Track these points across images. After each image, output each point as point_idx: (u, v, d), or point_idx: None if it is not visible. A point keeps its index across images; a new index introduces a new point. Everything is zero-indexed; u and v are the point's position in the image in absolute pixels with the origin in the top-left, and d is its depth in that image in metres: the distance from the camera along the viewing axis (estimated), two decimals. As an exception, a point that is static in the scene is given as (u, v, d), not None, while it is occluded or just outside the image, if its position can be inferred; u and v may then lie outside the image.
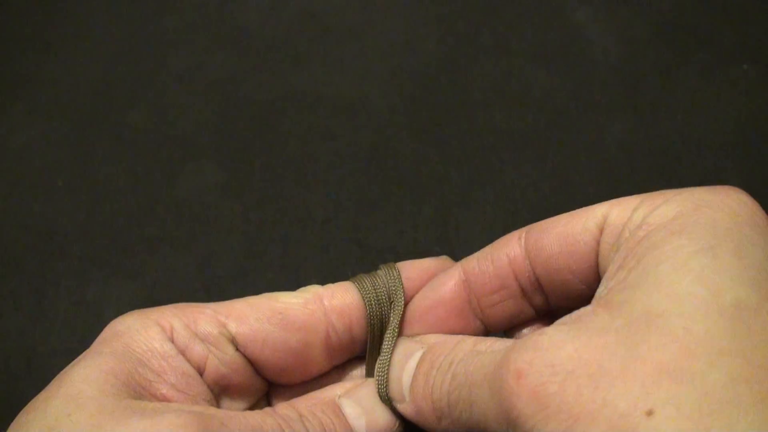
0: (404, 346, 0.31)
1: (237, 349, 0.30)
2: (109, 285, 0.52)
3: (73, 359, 0.30)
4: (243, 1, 0.66)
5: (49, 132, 0.59)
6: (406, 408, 0.30)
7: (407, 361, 0.30)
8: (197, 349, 0.29)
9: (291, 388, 0.33)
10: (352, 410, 0.30)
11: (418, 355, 0.30)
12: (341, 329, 0.31)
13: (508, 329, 0.32)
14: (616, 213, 0.27)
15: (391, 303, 0.32)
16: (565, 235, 0.28)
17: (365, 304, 0.31)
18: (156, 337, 0.29)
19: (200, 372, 0.30)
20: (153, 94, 0.61)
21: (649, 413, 0.20)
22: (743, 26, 0.63)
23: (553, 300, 0.30)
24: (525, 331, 0.32)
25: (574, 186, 0.56)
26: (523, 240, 0.30)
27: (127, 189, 0.56)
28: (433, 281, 0.32)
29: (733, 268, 0.22)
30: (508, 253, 0.30)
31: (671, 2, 0.64)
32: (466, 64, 0.62)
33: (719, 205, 0.25)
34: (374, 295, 0.32)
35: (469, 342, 0.28)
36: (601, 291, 0.25)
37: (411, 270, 0.33)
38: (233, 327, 0.30)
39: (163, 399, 0.28)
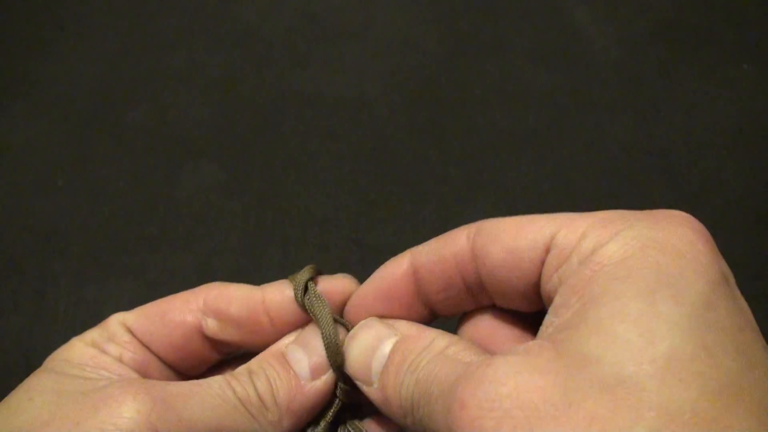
0: (376, 329, 0.31)
1: (141, 343, 0.33)
2: (109, 285, 0.52)
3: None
4: (243, 1, 0.66)
5: (49, 132, 0.59)
6: (372, 393, 0.30)
7: (379, 346, 0.30)
8: (114, 349, 0.33)
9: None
10: (295, 355, 0.32)
11: (390, 342, 0.30)
12: (213, 327, 0.33)
13: (456, 315, 0.32)
14: (563, 235, 0.27)
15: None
16: (511, 248, 0.28)
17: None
18: (80, 345, 0.32)
19: (121, 363, 0.33)
20: (153, 94, 0.61)
21: None
22: (743, 26, 0.63)
23: (498, 302, 0.31)
24: (476, 317, 0.32)
25: (574, 186, 0.56)
26: (471, 241, 0.29)
27: (127, 189, 0.56)
28: (382, 268, 0.32)
29: (671, 316, 0.22)
30: (456, 254, 0.30)
31: (671, 2, 0.64)
32: (466, 63, 0.62)
33: (665, 246, 0.24)
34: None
35: (442, 343, 0.28)
36: (546, 326, 0.26)
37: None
38: (129, 323, 0.33)
39: None
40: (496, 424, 0.22)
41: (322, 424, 0.33)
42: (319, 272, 0.34)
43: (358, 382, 0.31)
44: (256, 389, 0.30)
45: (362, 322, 0.32)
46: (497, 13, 0.64)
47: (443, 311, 0.32)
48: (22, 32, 0.65)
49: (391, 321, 0.31)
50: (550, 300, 0.26)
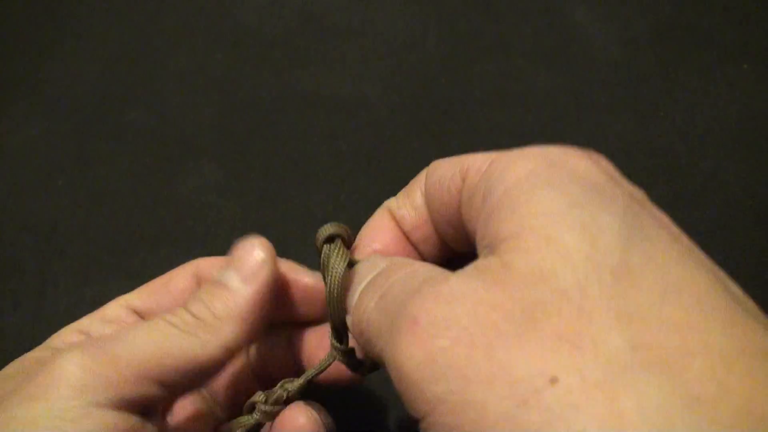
0: (373, 260, 0.30)
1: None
2: (109, 285, 0.52)
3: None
4: (243, 1, 0.66)
5: (49, 132, 0.59)
6: (348, 320, 0.29)
7: (368, 275, 0.29)
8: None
9: None
10: (226, 274, 0.32)
11: (377, 270, 0.28)
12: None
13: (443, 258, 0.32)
14: (475, 164, 0.27)
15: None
16: (439, 179, 0.29)
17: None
18: (69, 332, 0.33)
19: None
20: (153, 94, 0.61)
21: (553, 381, 0.19)
22: (743, 26, 0.63)
23: (448, 242, 0.30)
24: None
25: (574, 186, 0.56)
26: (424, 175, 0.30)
27: (127, 189, 0.56)
28: (368, 227, 0.33)
29: (613, 226, 0.22)
30: (421, 188, 0.31)
31: (671, 2, 0.64)
32: (466, 63, 0.62)
33: (573, 166, 0.24)
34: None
35: (418, 265, 0.26)
36: (482, 245, 0.24)
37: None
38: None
39: None
40: (452, 343, 0.20)
41: (301, 379, 0.33)
42: (350, 240, 0.33)
43: (346, 316, 0.30)
44: (190, 312, 0.30)
45: (367, 257, 0.31)
46: (497, 13, 0.64)
47: (430, 256, 0.32)
48: (22, 33, 0.65)
49: (391, 257, 0.30)
50: (473, 223, 0.26)
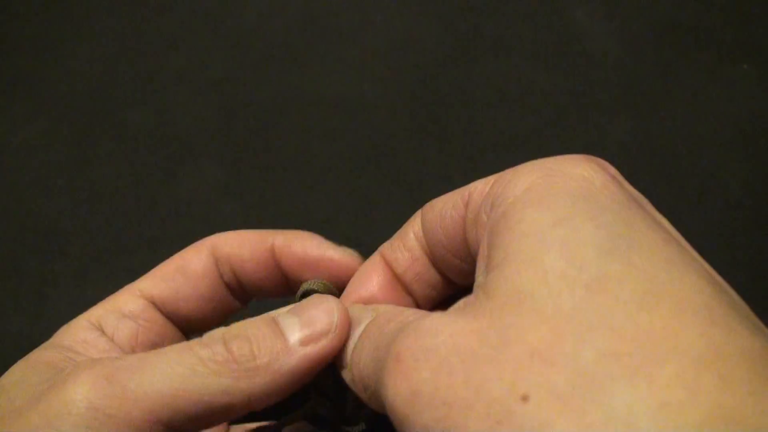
0: (355, 312, 0.29)
1: (161, 313, 0.32)
2: (109, 285, 0.52)
3: (72, 359, 0.31)
4: (243, 2, 0.66)
5: (49, 132, 0.59)
6: (346, 375, 0.28)
7: (355, 328, 0.28)
8: (126, 328, 0.32)
9: None
10: (287, 320, 0.28)
11: (366, 322, 0.28)
12: (228, 272, 0.33)
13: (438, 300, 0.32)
14: (477, 188, 0.26)
15: None
16: (440, 210, 0.28)
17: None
18: (81, 327, 0.31)
19: (134, 347, 0.31)
20: (153, 94, 0.61)
21: (524, 398, 0.19)
22: (743, 26, 0.63)
23: (451, 277, 0.30)
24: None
25: (574, 186, 0.56)
26: (420, 216, 0.30)
27: (127, 189, 0.56)
28: (359, 273, 0.32)
29: (594, 239, 0.22)
30: (414, 229, 0.30)
31: (671, 2, 0.64)
32: (466, 63, 0.62)
33: (571, 174, 0.24)
34: None
35: (409, 313, 0.26)
36: (478, 274, 0.24)
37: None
38: (149, 292, 0.33)
39: None
40: (433, 373, 0.21)
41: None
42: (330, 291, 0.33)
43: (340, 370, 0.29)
44: (229, 348, 0.27)
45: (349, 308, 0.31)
46: (497, 13, 0.64)
47: (423, 299, 0.31)
48: (22, 32, 0.65)
49: (373, 306, 0.30)
50: (480, 243, 0.26)
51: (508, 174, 0.26)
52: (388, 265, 0.31)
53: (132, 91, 0.61)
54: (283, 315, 0.29)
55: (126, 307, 0.32)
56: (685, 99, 0.59)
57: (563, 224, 0.22)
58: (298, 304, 0.30)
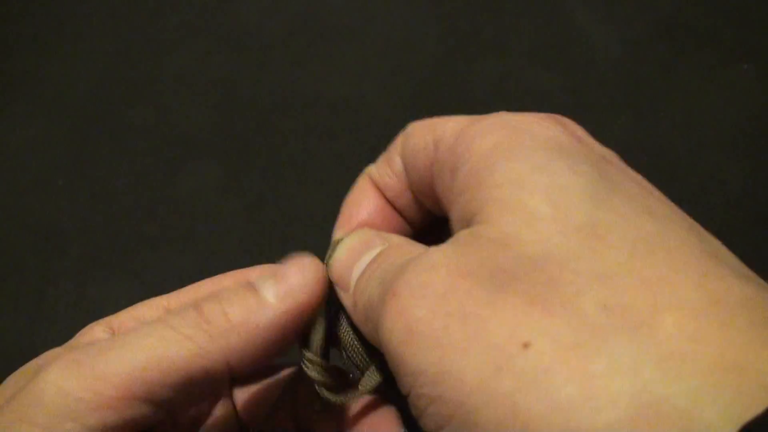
0: (366, 236, 0.29)
1: None
2: (109, 285, 0.52)
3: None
4: (243, 2, 0.66)
5: (49, 132, 0.59)
6: (346, 298, 0.28)
7: (364, 252, 0.28)
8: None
9: None
10: (264, 281, 0.27)
11: (377, 250, 0.27)
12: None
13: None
14: (445, 134, 0.26)
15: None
16: (413, 147, 0.28)
17: None
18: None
19: None
20: (153, 94, 0.61)
21: (526, 345, 0.19)
22: (743, 26, 0.63)
23: (430, 208, 0.29)
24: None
25: (574, 186, 0.56)
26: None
27: (127, 189, 0.56)
28: (352, 198, 0.31)
29: (576, 185, 0.21)
30: (399, 153, 0.30)
31: (671, 2, 0.64)
32: (466, 63, 0.62)
33: (536, 133, 0.24)
34: None
35: (417, 248, 0.26)
36: (456, 219, 0.24)
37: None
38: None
39: None
40: (428, 312, 0.20)
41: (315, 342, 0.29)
42: None
43: (336, 288, 0.29)
44: (200, 311, 0.26)
45: (356, 230, 0.30)
46: (497, 13, 0.64)
47: (416, 222, 0.31)
48: (21, 32, 0.65)
49: (386, 234, 0.29)
50: (445, 200, 0.25)
51: (473, 129, 0.25)
52: (379, 190, 0.31)
53: (132, 91, 0.61)
54: (257, 275, 0.28)
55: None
56: (685, 99, 0.59)
57: (542, 171, 0.22)
58: (270, 265, 0.29)
